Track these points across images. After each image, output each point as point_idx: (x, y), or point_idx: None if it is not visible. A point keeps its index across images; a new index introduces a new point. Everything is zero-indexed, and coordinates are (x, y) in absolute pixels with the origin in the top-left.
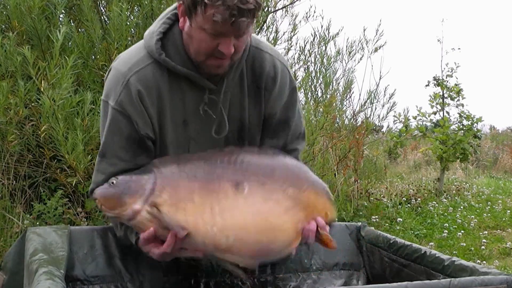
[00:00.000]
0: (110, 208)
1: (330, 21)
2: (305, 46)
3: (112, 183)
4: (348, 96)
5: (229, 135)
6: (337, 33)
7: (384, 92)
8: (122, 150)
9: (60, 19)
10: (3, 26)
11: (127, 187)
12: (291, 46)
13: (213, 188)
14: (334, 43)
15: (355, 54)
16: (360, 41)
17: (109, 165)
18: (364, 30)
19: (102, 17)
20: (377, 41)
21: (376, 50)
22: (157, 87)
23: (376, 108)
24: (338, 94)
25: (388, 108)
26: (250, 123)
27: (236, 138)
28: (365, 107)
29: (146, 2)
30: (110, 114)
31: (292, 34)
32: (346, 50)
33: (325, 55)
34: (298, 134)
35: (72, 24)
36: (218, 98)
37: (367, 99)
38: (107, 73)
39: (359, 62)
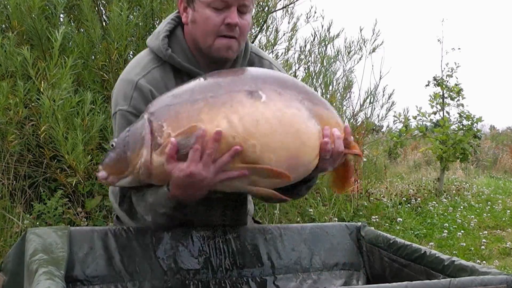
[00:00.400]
0: (119, 173)
1: (331, 22)
2: (305, 46)
3: (112, 145)
4: (348, 96)
5: None
6: (338, 34)
7: (383, 92)
8: None
9: (60, 19)
10: (3, 26)
11: (126, 143)
12: (291, 46)
13: (223, 101)
14: (333, 45)
15: (354, 55)
16: (358, 42)
17: None
18: (361, 30)
19: (102, 17)
20: (374, 41)
21: (374, 50)
22: (165, 87)
23: (375, 108)
24: (338, 94)
25: (387, 108)
26: None
27: None
28: (364, 107)
29: (146, 2)
30: (123, 116)
31: (292, 34)
32: (345, 51)
33: (325, 56)
34: None
35: (72, 24)
36: None
37: (366, 98)
38: (113, 89)
39: (358, 62)
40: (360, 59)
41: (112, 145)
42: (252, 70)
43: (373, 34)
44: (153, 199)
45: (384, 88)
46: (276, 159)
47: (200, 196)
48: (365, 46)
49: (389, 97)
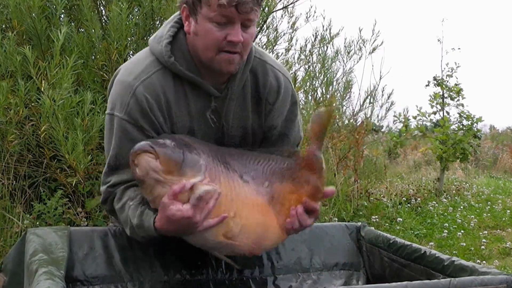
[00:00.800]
0: (165, 171)
1: (330, 21)
2: (306, 46)
3: (174, 145)
4: (348, 96)
5: (233, 142)
6: (338, 33)
7: (382, 92)
8: None
9: (60, 19)
10: (3, 26)
11: (187, 158)
12: (291, 46)
13: (230, 175)
14: (332, 44)
15: (353, 55)
16: (358, 42)
17: (125, 175)
18: (360, 30)
19: (102, 17)
20: (374, 41)
21: (373, 50)
22: (164, 94)
23: (375, 108)
24: (338, 94)
25: (386, 108)
26: (253, 132)
27: (240, 146)
28: (364, 106)
29: (146, 2)
30: (120, 125)
31: (292, 34)
32: (345, 50)
33: (325, 56)
34: (297, 142)
35: (72, 24)
36: (223, 106)
37: (366, 98)
38: (109, 87)
39: (357, 62)
40: (359, 58)
41: (174, 145)
42: (242, 152)
43: (373, 34)
44: (136, 222)
45: (383, 88)
46: (246, 239)
47: (180, 235)
48: (365, 46)
49: (389, 97)
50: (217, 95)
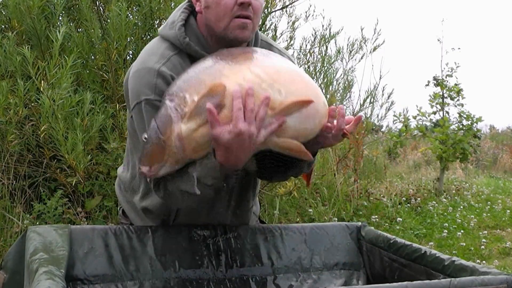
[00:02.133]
0: (159, 161)
1: (330, 21)
2: (306, 45)
3: (145, 138)
4: (348, 96)
5: None
6: (338, 32)
7: (382, 91)
8: None
9: (60, 19)
10: (3, 26)
11: (156, 130)
12: (291, 46)
13: (242, 60)
14: (335, 42)
15: (355, 54)
16: (360, 41)
17: None
18: (362, 29)
19: (102, 17)
20: (375, 40)
21: (375, 49)
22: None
23: (375, 107)
24: (338, 94)
25: (386, 107)
26: None
27: None
28: (364, 106)
29: (145, 2)
30: (150, 107)
31: (291, 34)
32: (347, 49)
33: (326, 55)
34: None
35: (72, 24)
36: None
37: (366, 98)
38: (126, 85)
39: (359, 61)
40: (361, 57)
41: (145, 138)
42: (259, 49)
43: (375, 33)
44: (199, 172)
45: (383, 87)
46: (298, 107)
47: (245, 160)
48: (366, 45)
49: (389, 96)
50: None
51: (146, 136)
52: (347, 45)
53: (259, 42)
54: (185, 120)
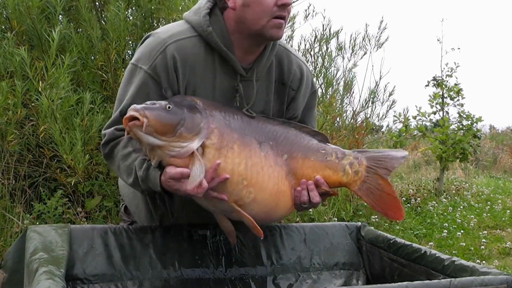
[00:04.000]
0: (160, 133)
1: (329, 20)
2: (305, 45)
3: (169, 107)
4: (349, 95)
5: None
6: (337, 31)
7: (384, 90)
8: None
9: (59, 19)
10: (2, 27)
11: (184, 118)
12: (291, 46)
13: (247, 143)
14: (337, 38)
15: (358, 50)
16: (363, 38)
17: None
18: (367, 26)
19: (101, 18)
20: (379, 36)
21: (379, 46)
22: (193, 60)
23: (376, 107)
24: (339, 94)
25: (388, 106)
26: (272, 117)
27: None
28: (365, 106)
29: (143, 3)
30: (141, 77)
31: (291, 33)
32: (349, 47)
33: (326, 56)
34: None
35: (71, 24)
36: (248, 85)
37: (369, 96)
38: (142, 40)
39: (361, 58)
40: (364, 54)
41: (169, 107)
42: (263, 119)
43: (379, 30)
44: (142, 175)
45: (385, 85)
46: (257, 210)
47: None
48: (370, 43)
49: (390, 94)
50: (244, 74)
51: (171, 106)
52: (350, 41)
53: (277, 46)
54: (201, 145)
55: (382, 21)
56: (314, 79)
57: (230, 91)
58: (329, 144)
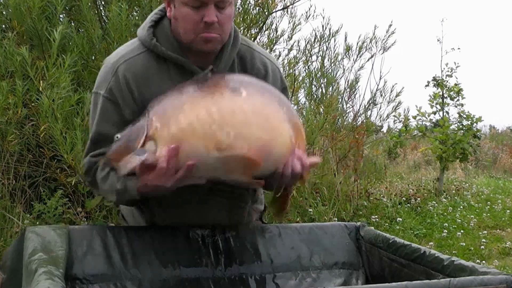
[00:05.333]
0: (120, 160)
1: (329, 20)
2: (306, 46)
3: (117, 137)
4: (352, 96)
5: None
6: (337, 31)
7: (391, 90)
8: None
9: (60, 19)
10: (3, 26)
11: (130, 134)
12: (292, 46)
13: (206, 94)
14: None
15: (363, 52)
16: (371, 40)
17: (107, 148)
18: (375, 28)
19: (102, 18)
20: (387, 39)
21: (385, 49)
22: (145, 75)
23: (381, 107)
24: (340, 95)
25: (393, 106)
26: None
27: None
28: (368, 108)
29: (145, 2)
30: (101, 102)
31: (292, 34)
32: (356, 48)
33: (326, 55)
34: None
35: (72, 24)
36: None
37: (371, 98)
38: (101, 68)
39: (368, 60)
40: (370, 57)
41: (117, 137)
42: (240, 75)
43: (387, 33)
44: (120, 187)
45: (392, 86)
46: (249, 148)
47: (168, 192)
48: (376, 46)
49: (397, 95)
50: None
51: (118, 135)
52: (357, 43)
53: (239, 45)
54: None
55: (391, 25)
56: (283, 75)
57: None
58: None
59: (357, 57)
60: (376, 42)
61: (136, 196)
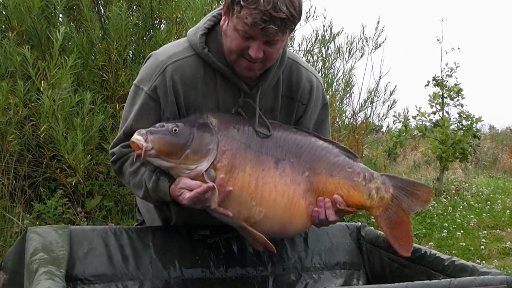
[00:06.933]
0: (165, 155)
1: (331, 21)
2: (306, 46)
3: (175, 130)
4: (348, 95)
5: None
6: (338, 32)
7: (385, 90)
8: None
9: (60, 19)
10: (3, 26)
11: (190, 140)
12: (291, 46)
13: (261, 161)
14: (334, 42)
15: (355, 52)
16: (361, 39)
17: None
18: (364, 27)
19: (102, 18)
20: (377, 38)
21: (376, 47)
22: (192, 80)
23: (376, 107)
24: (338, 94)
25: (388, 106)
26: None
27: None
28: (365, 106)
29: (145, 3)
30: (142, 98)
31: (292, 34)
32: (346, 48)
33: (326, 56)
34: None
35: (72, 24)
36: (254, 103)
37: (368, 96)
38: (145, 60)
39: (359, 59)
40: (361, 56)
41: (175, 130)
42: (286, 132)
43: (376, 31)
44: (152, 186)
45: (386, 84)
46: (270, 226)
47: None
48: (367, 44)
49: (391, 94)
50: (247, 91)
51: (177, 128)
52: (346, 43)
53: (285, 63)
54: (213, 167)
55: (378, 22)
56: (325, 91)
57: (235, 109)
58: (358, 163)
59: (348, 57)
60: (366, 41)
61: (165, 198)
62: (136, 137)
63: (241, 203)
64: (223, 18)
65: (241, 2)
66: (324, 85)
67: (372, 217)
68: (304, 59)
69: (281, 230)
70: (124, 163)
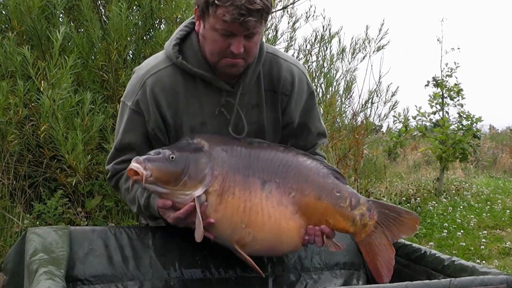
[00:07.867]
0: (163, 182)
1: (330, 21)
2: (306, 46)
3: (171, 158)
4: (349, 96)
5: (247, 137)
6: (337, 32)
7: (387, 90)
8: (138, 146)
9: (60, 19)
10: (3, 26)
11: (187, 167)
12: (291, 46)
13: (249, 184)
14: (339, 40)
15: (357, 53)
16: (363, 41)
17: (131, 156)
18: (367, 28)
19: (102, 18)
20: (380, 40)
21: (378, 49)
22: (172, 89)
23: (378, 107)
24: (338, 94)
25: (390, 106)
26: (267, 128)
27: None
28: (365, 106)
29: (145, 3)
30: (127, 113)
31: (292, 34)
32: (350, 49)
33: (326, 56)
34: (318, 133)
35: (72, 24)
36: (234, 100)
37: (370, 96)
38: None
39: (361, 61)
40: (363, 58)
41: (172, 157)
42: (273, 152)
43: (380, 33)
44: (144, 203)
45: (388, 85)
46: (259, 247)
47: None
48: (369, 45)
49: (393, 95)
50: (229, 90)
51: (174, 155)
52: (351, 44)
53: (263, 58)
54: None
55: (383, 24)
56: (309, 79)
57: (218, 108)
58: (346, 185)
59: (351, 58)
60: (369, 42)
61: (156, 214)
62: (135, 165)
63: (232, 225)
64: (197, 24)
65: (216, 2)
66: (324, 85)
67: None
68: (304, 59)
69: (271, 250)
70: (119, 180)
